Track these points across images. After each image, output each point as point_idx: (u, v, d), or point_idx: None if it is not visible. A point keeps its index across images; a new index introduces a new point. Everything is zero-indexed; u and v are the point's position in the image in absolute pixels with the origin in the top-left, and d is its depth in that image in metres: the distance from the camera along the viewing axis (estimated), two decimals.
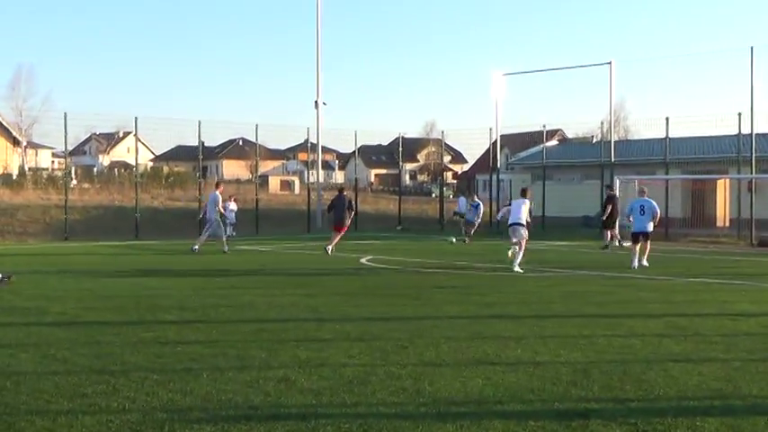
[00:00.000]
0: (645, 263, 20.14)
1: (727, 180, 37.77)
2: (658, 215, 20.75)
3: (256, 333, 9.78)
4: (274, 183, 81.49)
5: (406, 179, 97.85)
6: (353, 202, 26.57)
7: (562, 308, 12.39)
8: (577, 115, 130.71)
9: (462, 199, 36.54)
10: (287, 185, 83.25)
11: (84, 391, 6.91)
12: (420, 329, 10.07)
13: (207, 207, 26.13)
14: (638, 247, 20.31)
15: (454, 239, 30.64)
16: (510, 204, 20.96)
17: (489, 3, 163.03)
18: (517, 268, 18.72)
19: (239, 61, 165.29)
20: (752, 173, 32.66)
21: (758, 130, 33.74)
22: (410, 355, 8.42)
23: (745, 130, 32.93)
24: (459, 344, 9.07)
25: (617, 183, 31.45)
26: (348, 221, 25.43)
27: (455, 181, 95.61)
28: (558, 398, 6.74)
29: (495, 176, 43.05)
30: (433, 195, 68.51)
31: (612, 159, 37.38)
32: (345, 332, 9.88)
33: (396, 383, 7.18)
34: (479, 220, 33.33)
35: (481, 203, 34.07)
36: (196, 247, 24.91)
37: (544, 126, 42.46)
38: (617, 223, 28.16)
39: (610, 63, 36.90)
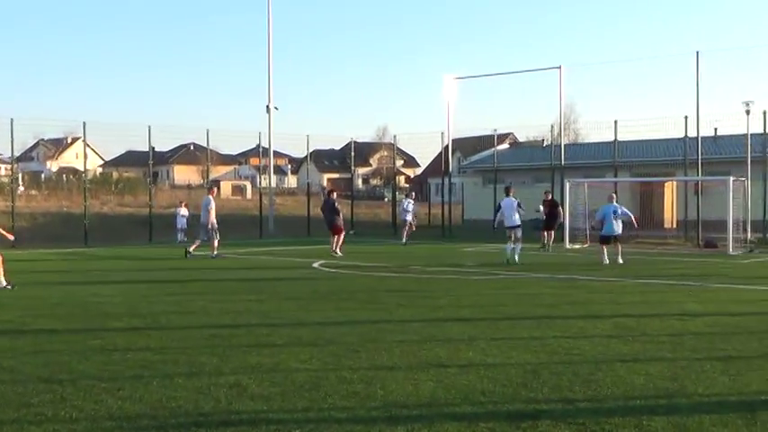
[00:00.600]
0: (620, 260, 22.06)
1: (675, 182, 38.67)
2: (632, 217, 23.39)
3: (208, 339, 9.70)
4: (226, 188, 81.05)
5: (359, 183, 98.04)
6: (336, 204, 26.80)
7: (514, 310, 12.48)
8: (528, 119, 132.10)
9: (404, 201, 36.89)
10: (239, 190, 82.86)
11: (30, 401, 6.80)
12: (372, 333, 10.07)
13: (201, 212, 25.84)
14: (605, 248, 22.43)
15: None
16: (500, 208, 23.52)
17: (441, 7, 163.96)
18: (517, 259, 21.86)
19: (191, 66, 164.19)
20: (698, 175, 33.11)
21: (704, 133, 34.35)
22: (362, 360, 8.42)
23: (692, 134, 33.51)
24: (411, 347, 9.09)
25: (567, 185, 31.93)
26: (339, 221, 25.88)
27: (408, 185, 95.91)
28: (508, 399, 6.79)
29: (447, 180, 43.22)
30: (386, 200, 68.64)
31: (562, 162, 37.72)
32: (297, 337, 9.84)
33: (347, 388, 7.17)
34: (414, 221, 33.68)
35: (412, 203, 34.37)
36: (214, 253, 24.74)
37: (495, 130, 42.87)
38: (554, 226, 29.01)
39: (559, 67, 37.29)
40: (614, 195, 23.86)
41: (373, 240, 34.16)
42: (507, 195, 23.22)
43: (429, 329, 10.44)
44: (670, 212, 41.27)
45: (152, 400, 6.81)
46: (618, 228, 22.48)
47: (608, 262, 21.84)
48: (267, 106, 41.88)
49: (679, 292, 15.04)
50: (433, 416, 6.32)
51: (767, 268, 21.49)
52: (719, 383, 7.36)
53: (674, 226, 38.33)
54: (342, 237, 25.71)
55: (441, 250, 28.41)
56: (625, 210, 23.05)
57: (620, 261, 22.02)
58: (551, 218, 29.32)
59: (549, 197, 30.52)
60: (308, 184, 47.41)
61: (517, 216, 22.64)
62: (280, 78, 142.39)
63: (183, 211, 36.55)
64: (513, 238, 22.53)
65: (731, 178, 28.20)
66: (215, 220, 24.92)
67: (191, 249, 24.77)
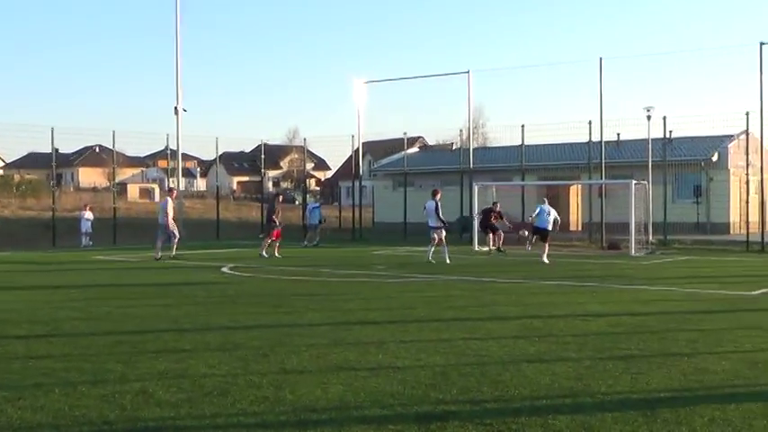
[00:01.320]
0: (546, 260, 23.82)
1: (579, 186, 39.69)
2: (555, 217, 25.86)
3: (113, 346, 9.47)
4: (133, 191, 79.50)
5: (269, 186, 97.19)
6: (273, 207, 27.82)
7: (423, 313, 12.52)
8: (438, 123, 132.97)
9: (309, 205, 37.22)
10: (146, 193, 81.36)
11: None
12: (281, 337, 9.99)
13: (160, 215, 25.80)
14: (546, 245, 25.02)
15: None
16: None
17: (352, 10, 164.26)
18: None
19: (95, 65, 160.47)
20: (602, 178, 34.08)
21: (607, 137, 35.26)
22: (271, 364, 8.35)
23: (596, 138, 34.37)
24: (320, 350, 9.06)
25: (475, 189, 32.35)
26: (273, 225, 26.81)
27: (318, 188, 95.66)
28: (417, 401, 6.79)
29: (357, 183, 43.34)
30: (297, 203, 68.25)
31: (471, 166, 38.25)
32: (206, 342, 9.70)
33: (256, 392, 7.09)
34: (317, 223, 33.96)
35: (312, 205, 34.83)
36: (173, 253, 25.05)
37: (405, 133, 43.05)
38: (493, 226, 29.35)
39: (468, 72, 37.85)
40: (545, 199, 27.31)
41: (284, 244, 33.85)
42: (432, 198, 24.09)
43: (338, 333, 10.41)
44: (575, 215, 42.46)
45: (54, 408, 6.59)
46: (545, 223, 25.24)
47: (548, 262, 23.70)
48: (175, 107, 41.15)
49: (583, 293, 15.30)
50: (342, 419, 6.31)
51: (667, 269, 21.99)
52: (622, 382, 7.50)
53: (580, 228, 39.21)
54: (269, 241, 26.72)
55: (351, 253, 28.45)
56: (554, 213, 25.94)
57: (546, 261, 23.78)
58: (487, 221, 29.51)
59: (498, 209, 30.36)
60: (217, 187, 46.86)
61: (433, 218, 23.81)
62: (189, 79, 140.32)
63: (88, 215, 35.73)
64: (433, 240, 23.66)
65: (633, 182, 29.03)
66: (173, 222, 25.23)
67: (157, 256, 24.84)
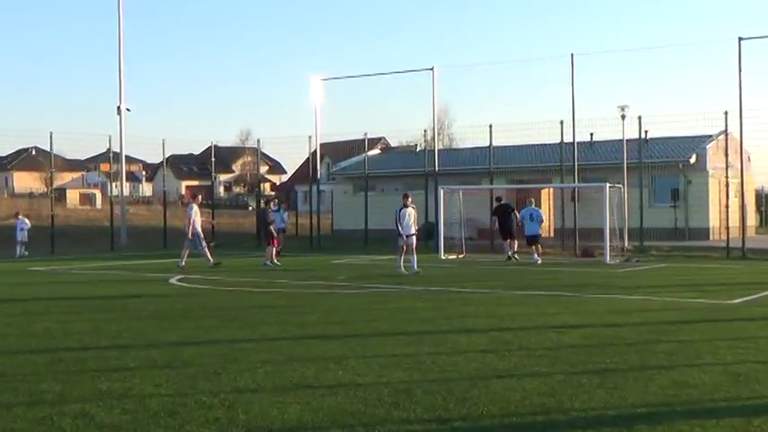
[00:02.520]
0: (539, 260, 27.03)
1: (551, 189, 39.78)
2: (544, 221, 29.17)
3: (51, 364, 9.33)
4: (73, 196, 78.78)
5: (220, 191, 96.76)
6: (269, 215, 28.36)
7: (386, 326, 12.51)
8: (401, 123, 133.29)
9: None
10: (87, 199, 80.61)
11: None
12: (235, 354, 9.93)
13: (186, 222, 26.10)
14: (534, 248, 27.78)
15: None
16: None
17: (308, 6, 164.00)
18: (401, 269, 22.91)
19: (32, 61, 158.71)
20: (575, 182, 34.37)
21: (580, 138, 35.58)
22: (223, 382, 8.28)
23: (568, 139, 34.66)
24: (276, 368, 9.01)
25: (441, 193, 32.44)
26: (270, 233, 27.38)
27: (273, 193, 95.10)
28: (379, 421, 6.77)
29: (315, 187, 43.14)
30: (250, 208, 67.87)
31: (437, 168, 38.39)
32: (152, 359, 9.61)
33: (207, 413, 7.02)
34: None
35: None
36: (181, 264, 25.12)
37: (366, 134, 42.88)
38: (512, 232, 29.40)
39: (432, 69, 37.93)
40: (532, 200, 29.62)
41: (237, 252, 33.65)
42: (406, 205, 23.63)
43: (296, 348, 10.35)
44: (547, 221, 42.41)
45: None
46: (534, 229, 28.36)
47: (538, 261, 26.99)
48: (118, 107, 40.89)
49: (555, 304, 15.36)
50: None
51: (643, 277, 22.17)
52: (596, 397, 7.54)
53: (552, 234, 39.12)
54: (273, 249, 27.43)
55: (309, 263, 28.37)
56: (540, 212, 28.91)
57: (539, 261, 27.02)
58: (506, 224, 29.35)
59: (501, 201, 30.67)
60: (164, 192, 46.62)
61: (413, 226, 23.73)
62: (133, 77, 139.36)
63: (24, 223, 35.31)
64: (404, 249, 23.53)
65: (607, 185, 29.06)
66: (199, 229, 25.71)
67: (210, 263, 25.30)
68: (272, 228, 27.39)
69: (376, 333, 11.76)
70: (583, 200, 35.13)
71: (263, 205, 29.30)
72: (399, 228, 23.19)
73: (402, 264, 22.93)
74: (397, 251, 23.62)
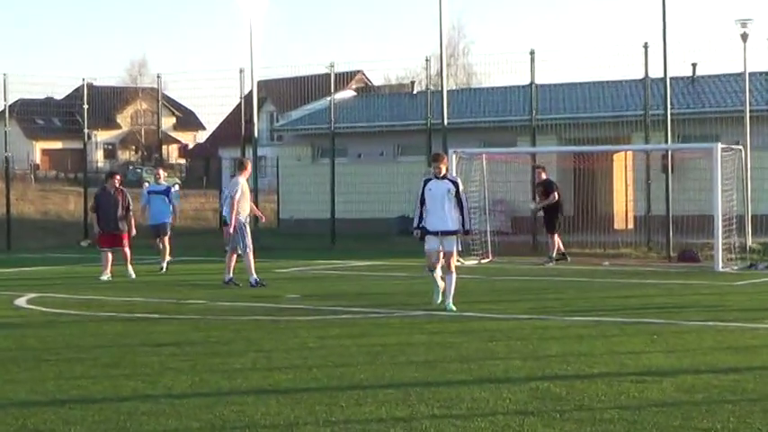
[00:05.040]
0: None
1: (629, 154, 34.53)
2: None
3: None
4: None
5: (98, 158, 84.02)
6: (128, 197, 23.19)
7: (364, 373, 10.87)
8: (388, 49, 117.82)
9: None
10: None
11: None
12: (121, 420, 8.76)
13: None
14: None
15: None
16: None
17: None
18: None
19: None
20: (666, 141, 29.35)
21: (675, 72, 30.49)
22: None
23: (656, 72, 29.61)
24: None
25: (454, 160, 26.58)
26: (124, 226, 22.55)
27: (183, 160, 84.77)
28: None
29: (250, 151, 36.44)
30: (146, 185, 62.50)
31: (445, 121, 32.17)
32: None
33: None
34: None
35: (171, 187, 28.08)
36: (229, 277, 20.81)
37: (332, 66, 36.05)
38: (558, 223, 25.67)
39: None
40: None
41: (134, 253, 28.19)
42: (438, 175, 16.30)
43: (218, 411, 9.06)
44: (622, 204, 37.08)
45: None
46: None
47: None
48: None
49: (637, 336, 13.52)
50: None
51: None
52: None
53: (630, 226, 34.09)
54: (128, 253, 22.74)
55: (240, 272, 23.51)
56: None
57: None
58: (551, 211, 25.52)
59: (543, 177, 26.20)
60: (6, 158, 40.24)
61: (455, 213, 16.47)
62: None
63: None
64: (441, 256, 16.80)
65: (719, 146, 25.05)
66: (245, 217, 20.93)
67: (226, 277, 20.69)
68: (130, 217, 22.85)
69: (348, 385, 10.35)
70: (681, 170, 29.83)
71: (112, 184, 22.88)
72: (420, 217, 16.44)
73: (439, 294, 16.48)
74: (425, 260, 17.13)
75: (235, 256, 20.62)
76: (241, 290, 20.68)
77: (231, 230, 20.50)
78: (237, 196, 20.52)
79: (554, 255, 25.06)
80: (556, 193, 25.19)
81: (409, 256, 25.60)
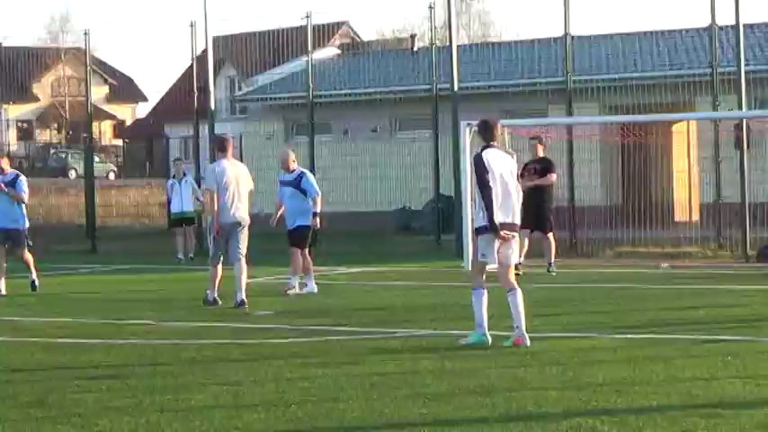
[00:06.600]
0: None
1: (692, 124, 32.05)
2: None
3: None
4: None
5: (10, 139, 78.23)
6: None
7: (357, 411, 10.06)
8: None
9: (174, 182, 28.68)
10: None
11: None
12: None
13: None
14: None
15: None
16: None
17: None
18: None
19: None
20: (741, 107, 26.47)
21: (748, 18, 27.09)
22: None
23: (724, 20, 26.65)
24: None
25: (464, 134, 24.46)
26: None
27: (119, 141, 79.23)
28: None
29: (206, 127, 33.58)
30: (73, 175, 59.90)
31: (455, 85, 28.95)
32: None
33: None
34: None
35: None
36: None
37: (308, 15, 33.27)
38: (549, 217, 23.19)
39: None
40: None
41: (54, 262, 27.42)
42: (488, 142, 13.88)
43: None
44: (685, 191, 34.51)
45: None
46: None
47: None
48: None
49: (706, 359, 12.72)
50: None
51: None
52: None
53: (695, 217, 31.66)
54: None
55: (194, 284, 22.78)
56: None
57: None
58: (543, 203, 22.67)
59: (541, 153, 23.28)
60: None
61: (517, 204, 14.36)
62: None
63: None
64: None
65: None
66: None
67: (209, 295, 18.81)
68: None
69: (337, 426, 9.82)
70: (759, 145, 27.93)
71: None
72: (489, 208, 13.86)
73: (483, 318, 13.90)
74: (474, 268, 14.76)
75: (220, 266, 18.74)
76: (194, 303, 19.22)
77: (216, 235, 19.00)
78: (215, 187, 18.65)
79: (553, 260, 22.71)
80: (554, 175, 22.53)
81: (411, 261, 25.18)
